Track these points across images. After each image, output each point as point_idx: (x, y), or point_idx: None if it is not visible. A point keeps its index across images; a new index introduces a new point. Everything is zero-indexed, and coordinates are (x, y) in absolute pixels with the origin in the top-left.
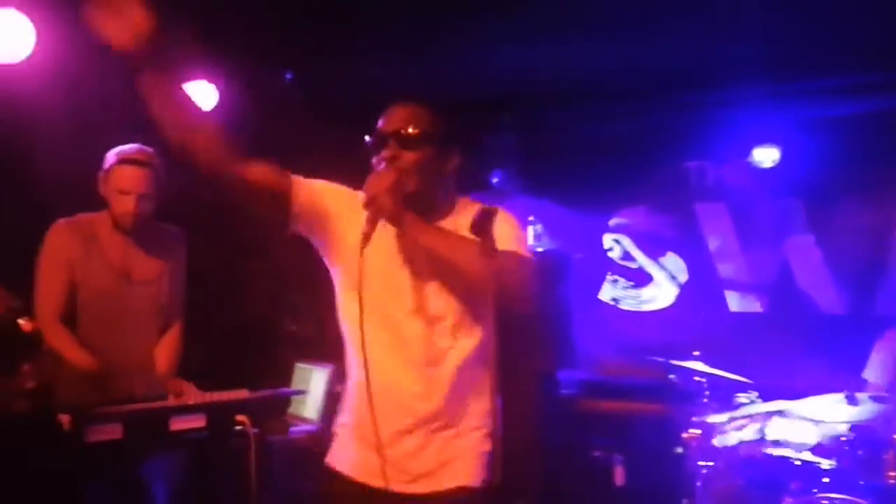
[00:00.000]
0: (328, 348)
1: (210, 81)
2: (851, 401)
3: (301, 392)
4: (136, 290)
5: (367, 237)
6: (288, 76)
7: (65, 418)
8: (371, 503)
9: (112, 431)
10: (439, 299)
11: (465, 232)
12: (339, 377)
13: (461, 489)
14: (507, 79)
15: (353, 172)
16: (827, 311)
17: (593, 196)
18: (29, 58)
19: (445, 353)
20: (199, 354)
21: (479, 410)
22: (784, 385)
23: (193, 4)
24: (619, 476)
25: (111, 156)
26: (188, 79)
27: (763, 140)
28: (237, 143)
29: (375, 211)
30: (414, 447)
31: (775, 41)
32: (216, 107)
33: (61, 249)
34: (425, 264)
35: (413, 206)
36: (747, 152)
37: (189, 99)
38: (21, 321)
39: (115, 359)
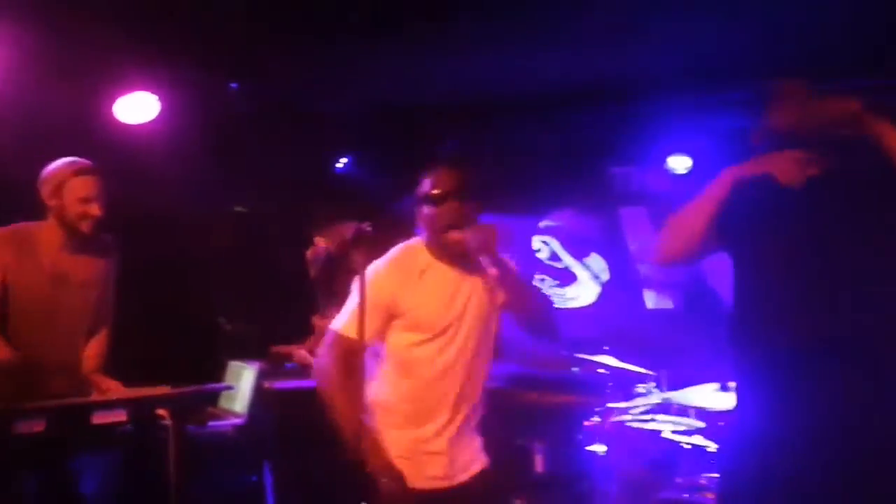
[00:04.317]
0: (258, 347)
1: (153, 92)
2: (724, 388)
3: (228, 387)
4: (71, 293)
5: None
6: (233, 85)
7: None
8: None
9: (35, 425)
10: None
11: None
12: (265, 374)
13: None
14: (446, 88)
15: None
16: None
17: (525, 200)
18: None
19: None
20: (138, 353)
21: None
22: (687, 376)
23: (134, 14)
24: (539, 463)
25: (62, 168)
26: (130, 90)
27: (678, 149)
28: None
29: (488, 255)
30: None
31: (692, 56)
32: (158, 117)
33: None
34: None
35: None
36: (664, 160)
37: None
38: None
39: (44, 358)
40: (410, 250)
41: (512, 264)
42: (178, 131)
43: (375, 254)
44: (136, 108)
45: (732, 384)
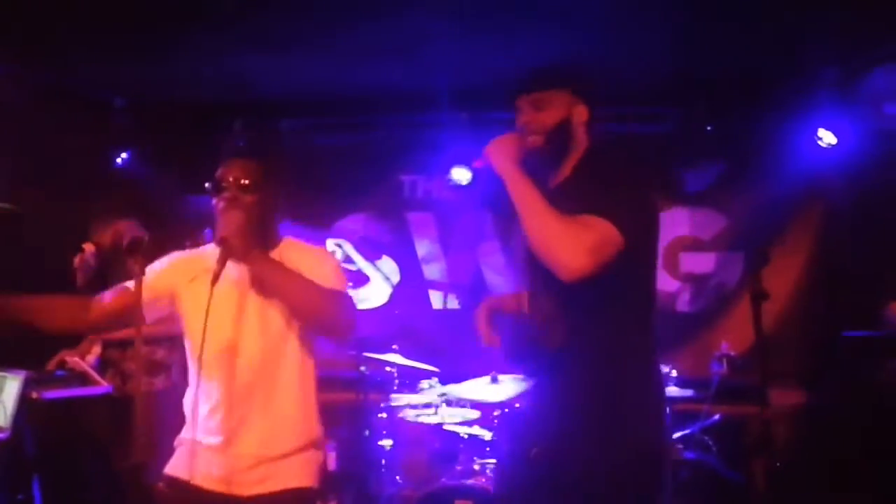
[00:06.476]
0: (22, 355)
1: None
2: (494, 381)
3: None
4: None
5: (217, 276)
6: None
7: None
8: None
9: None
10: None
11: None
12: (32, 383)
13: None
14: (240, 87)
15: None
16: None
17: (318, 203)
18: None
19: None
20: None
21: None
22: (468, 371)
23: None
24: (332, 462)
25: None
26: None
27: (460, 161)
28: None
29: (227, 250)
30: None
31: (471, 77)
32: None
33: None
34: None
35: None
36: (448, 170)
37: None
38: None
39: None
40: (202, 252)
41: (271, 261)
42: None
43: (154, 258)
44: None
45: (502, 377)
